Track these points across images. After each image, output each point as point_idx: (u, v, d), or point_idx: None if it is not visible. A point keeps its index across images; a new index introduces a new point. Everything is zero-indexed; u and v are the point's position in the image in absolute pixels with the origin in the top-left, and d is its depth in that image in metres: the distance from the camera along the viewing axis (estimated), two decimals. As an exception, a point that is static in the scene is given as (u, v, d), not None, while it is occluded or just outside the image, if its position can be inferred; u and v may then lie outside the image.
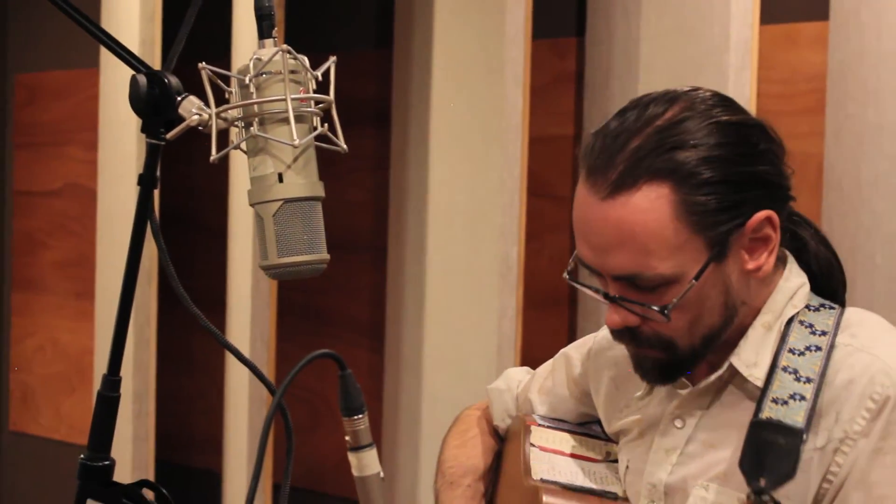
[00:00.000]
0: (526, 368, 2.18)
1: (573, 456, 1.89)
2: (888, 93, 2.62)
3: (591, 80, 3.27)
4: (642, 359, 1.67)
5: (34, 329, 4.96)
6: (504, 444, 2.10)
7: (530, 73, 3.21)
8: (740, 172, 1.60)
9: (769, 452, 1.53)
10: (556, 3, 3.42)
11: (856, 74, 2.69)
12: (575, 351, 2.03)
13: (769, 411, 1.57)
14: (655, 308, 1.59)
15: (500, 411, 2.11)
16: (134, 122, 3.87)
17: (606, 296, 1.63)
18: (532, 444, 1.91)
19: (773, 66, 2.94)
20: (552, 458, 1.88)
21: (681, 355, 1.65)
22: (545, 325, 3.43)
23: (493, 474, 2.09)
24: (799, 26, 2.95)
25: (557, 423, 1.99)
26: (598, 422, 1.97)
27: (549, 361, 2.09)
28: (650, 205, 1.56)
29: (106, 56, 4.14)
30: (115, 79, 4.05)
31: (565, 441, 1.93)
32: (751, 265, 1.63)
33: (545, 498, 1.70)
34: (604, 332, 1.95)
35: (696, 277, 1.58)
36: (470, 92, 3.30)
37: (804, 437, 1.54)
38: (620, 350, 1.86)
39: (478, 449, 2.09)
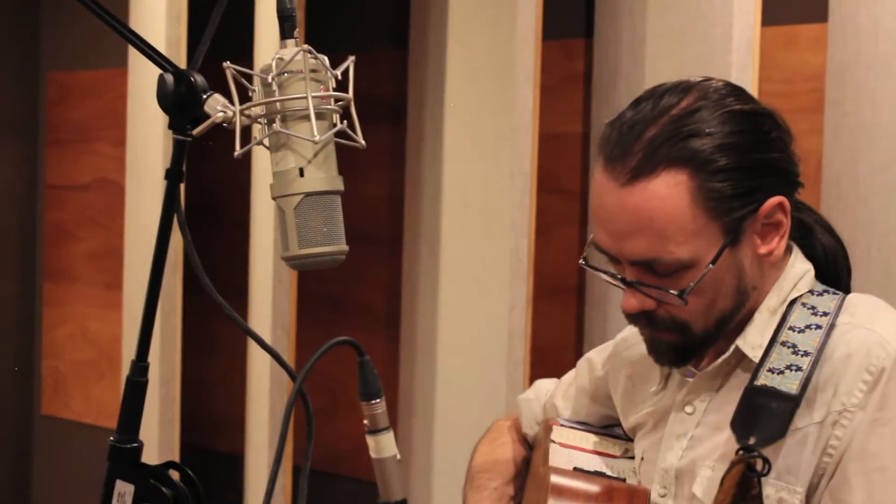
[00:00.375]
0: (554, 379, 2.17)
1: (592, 452, 1.89)
2: (884, 93, 2.61)
3: (599, 79, 3.27)
4: (657, 342, 1.67)
5: (65, 318, 4.97)
6: (532, 451, 2.09)
7: (540, 72, 3.21)
8: (754, 159, 1.60)
9: (761, 414, 1.53)
10: (565, 5, 3.41)
11: (853, 75, 2.69)
12: (597, 355, 2.04)
13: (764, 379, 1.57)
14: (673, 292, 1.58)
15: (528, 419, 2.11)
16: (160, 119, 3.88)
17: (623, 280, 1.63)
18: (553, 441, 1.91)
19: (774, 66, 2.94)
20: (571, 452, 1.88)
21: (695, 338, 1.64)
22: (554, 315, 3.43)
23: (522, 479, 2.08)
24: (799, 28, 2.95)
25: (580, 424, 1.99)
26: (620, 424, 1.97)
27: (573, 369, 2.09)
28: (668, 191, 1.56)
29: (134, 56, 4.15)
30: (142, 78, 4.06)
31: (585, 439, 1.93)
32: (763, 249, 1.63)
33: (552, 477, 1.69)
34: (622, 335, 1.96)
35: (713, 262, 1.58)
36: (482, 91, 3.30)
37: (797, 402, 1.53)
38: (637, 350, 1.87)
39: (506, 455, 2.08)
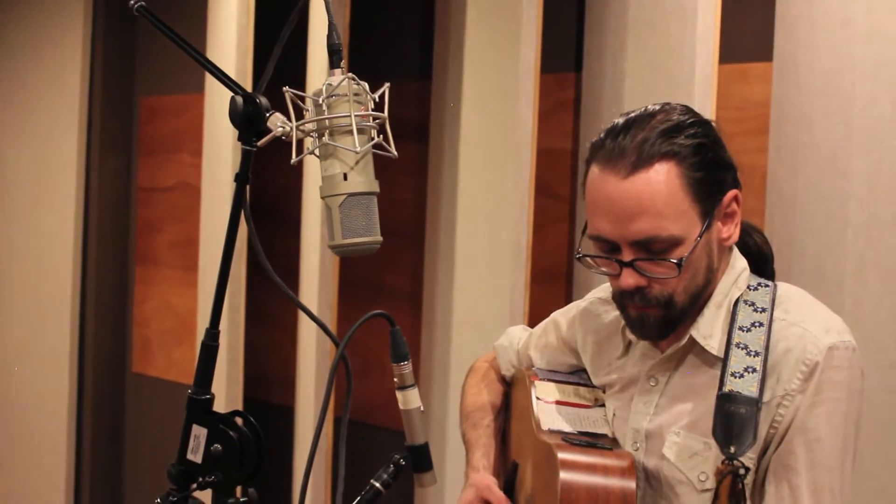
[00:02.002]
0: (522, 326, 2.20)
1: (569, 405, 1.89)
2: (818, 118, 2.60)
3: (587, 106, 3.25)
4: (645, 318, 1.66)
5: (152, 294, 4.98)
6: (511, 388, 2.10)
7: (539, 99, 3.20)
8: (718, 157, 1.64)
9: (734, 422, 1.54)
10: (559, 45, 3.40)
11: (793, 104, 2.67)
12: (561, 317, 2.03)
13: (730, 384, 1.57)
14: (673, 260, 1.58)
15: (505, 363, 2.12)
16: (230, 134, 3.88)
17: (620, 263, 1.62)
18: (538, 398, 1.90)
19: (729, 96, 2.92)
20: (554, 408, 1.87)
21: (676, 312, 1.64)
22: (547, 297, 3.42)
23: (504, 412, 2.09)
24: (749, 66, 2.93)
25: (553, 374, 1.99)
26: (585, 370, 1.97)
27: (542, 324, 2.09)
28: (663, 178, 1.58)
29: (209, 83, 4.15)
30: (215, 102, 4.06)
31: (562, 392, 1.92)
32: (724, 234, 1.65)
33: (560, 455, 1.68)
34: (584, 304, 1.96)
35: (700, 236, 1.59)
36: (491, 114, 3.30)
37: (759, 404, 1.55)
38: (600, 321, 1.89)
39: (491, 395, 2.09)
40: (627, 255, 1.61)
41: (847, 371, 1.59)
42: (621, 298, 1.68)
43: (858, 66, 2.52)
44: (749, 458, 1.58)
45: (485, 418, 2.04)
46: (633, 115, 1.65)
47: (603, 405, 1.87)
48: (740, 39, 2.96)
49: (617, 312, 1.80)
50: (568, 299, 3.40)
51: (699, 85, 2.82)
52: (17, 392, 5.34)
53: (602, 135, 1.65)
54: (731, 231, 1.66)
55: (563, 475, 1.65)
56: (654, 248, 1.59)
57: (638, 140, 1.59)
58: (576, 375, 1.99)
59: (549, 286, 3.45)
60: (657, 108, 1.65)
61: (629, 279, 1.62)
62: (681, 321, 1.66)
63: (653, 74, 2.93)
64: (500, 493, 1.84)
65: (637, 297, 1.64)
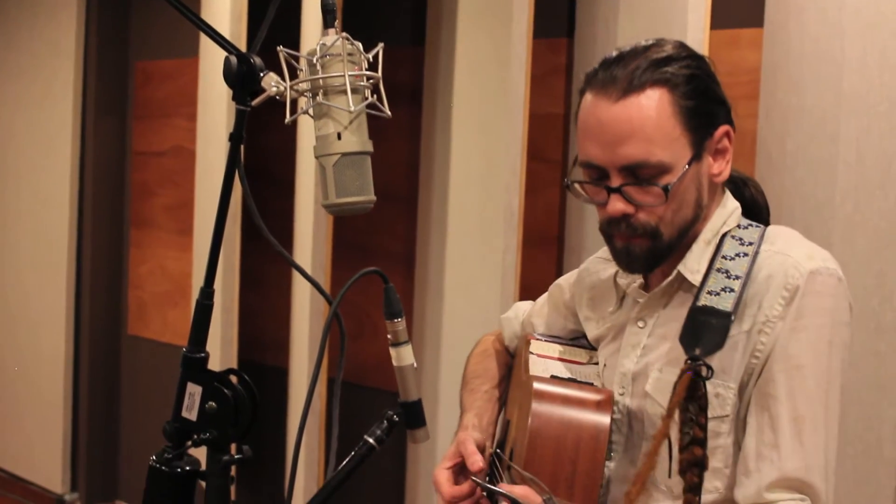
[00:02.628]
0: (529, 301, 2.17)
1: (562, 360, 1.87)
2: (808, 83, 2.60)
3: (578, 71, 3.25)
4: (632, 247, 1.63)
5: (147, 257, 4.98)
6: (514, 359, 2.09)
7: (531, 64, 3.18)
8: (710, 89, 1.61)
9: (704, 330, 1.51)
10: (551, 10, 3.38)
11: (783, 69, 2.67)
12: (564, 281, 2.02)
13: (704, 300, 1.55)
14: (659, 186, 1.56)
15: (509, 335, 2.10)
16: (225, 98, 3.86)
17: (609, 188, 1.60)
18: (531, 353, 1.89)
19: (720, 61, 2.87)
20: (546, 361, 1.86)
21: (663, 244, 1.62)
22: (538, 259, 3.42)
23: (506, 382, 2.08)
24: (740, 32, 2.92)
25: (552, 337, 1.98)
26: (584, 336, 1.95)
27: (546, 292, 2.07)
28: (654, 103, 1.55)
29: (204, 47, 4.13)
30: (210, 66, 4.04)
31: (557, 349, 1.91)
32: (715, 169, 1.62)
33: (535, 385, 1.67)
34: (584, 266, 1.95)
35: (689, 164, 1.57)
36: (484, 79, 3.28)
37: (731, 318, 1.52)
38: (597, 277, 1.87)
39: (493, 364, 2.08)
40: (615, 181, 1.59)
41: (831, 298, 1.55)
42: (608, 228, 1.64)
43: (848, 31, 2.51)
44: (728, 388, 1.55)
45: (483, 385, 2.02)
46: (626, 47, 1.63)
47: (597, 363, 1.86)
48: (731, 5, 2.94)
49: (613, 268, 1.80)
50: (559, 262, 3.41)
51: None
52: (15, 355, 5.34)
53: (596, 66, 1.64)
54: (722, 167, 1.63)
55: (535, 405, 1.64)
56: (642, 175, 1.57)
57: (631, 68, 1.57)
58: (575, 341, 1.98)
59: (541, 249, 3.45)
60: (651, 41, 1.64)
61: (617, 205, 1.59)
62: (667, 255, 1.64)
63: (644, 39, 2.92)
64: (473, 448, 1.81)
65: (623, 226, 1.61)
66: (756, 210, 1.76)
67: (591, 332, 1.88)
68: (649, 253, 1.63)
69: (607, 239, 1.68)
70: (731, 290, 1.55)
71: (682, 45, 1.64)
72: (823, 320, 1.54)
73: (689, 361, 1.47)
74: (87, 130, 5.00)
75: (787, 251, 1.58)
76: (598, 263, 1.90)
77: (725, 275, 1.57)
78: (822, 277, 1.54)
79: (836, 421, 1.56)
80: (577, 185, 1.67)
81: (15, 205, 5.29)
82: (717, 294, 1.55)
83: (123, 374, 5.17)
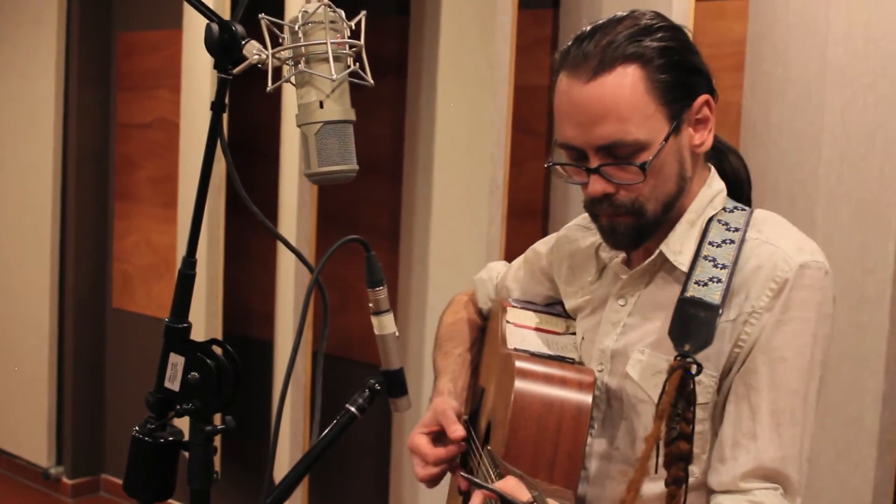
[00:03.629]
0: (504, 262, 2.16)
1: (539, 330, 1.86)
2: (793, 55, 2.59)
3: (564, 42, 3.23)
4: (616, 225, 1.61)
5: (131, 230, 4.96)
6: (487, 321, 2.09)
7: (516, 36, 3.17)
8: (686, 60, 1.58)
9: (692, 323, 1.50)
10: (537, -19, 3.38)
11: (768, 41, 2.66)
12: (542, 246, 2.01)
13: (692, 290, 1.54)
14: (636, 164, 1.54)
15: (483, 296, 2.10)
16: (209, 70, 3.84)
17: (588, 169, 1.58)
18: (508, 321, 1.88)
19: (705, 33, 2.91)
20: (523, 332, 1.85)
21: (647, 220, 1.60)
22: (523, 231, 3.42)
23: (479, 345, 2.08)
24: (725, 3, 2.92)
25: (528, 304, 1.97)
26: (560, 303, 1.95)
27: (522, 256, 2.07)
28: (625, 80, 1.53)
29: (189, 19, 4.10)
30: (194, 37, 4.02)
31: (533, 318, 1.90)
32: (697, 140, 1.60)
33: (517, 363, 1.66)
34: (563, 233, 1.93)
35: (665, 140, 1.54)
36: (469, 50, 3.27)
37: (720, 311, 1.51)
38: (576, 245, 1.86)
39: (466, 326, 2.08)
40: (594, 162, 1.57)
41: (819, 292, 1.53)
42: (592, 207, 1.63)
43: (833, 3, 2.51)
44: (710, 376, 1.55)
45: (457, 348, 2.03)
46: (599, 21, 1.61)
47: (574, 333, 1.85)
48: (717, -24, 2.94)
49: (593, 238, 1.79)
50: (544, 234, 3.40)
51: (677, 21, 2.80)
52: (-2, 327, 5.33)
53: (569, 42, 1.61)
54: (704, 137, 1.61)
55: (518, 383, 1.63)
56: (619, 153, 1.55)
57: (602, 44, 1.54)
58: (550, 307, 1.98)
59: (526, 221, 3.45)
60: (625, 14, 1.60)
61: (596, 186, 1.57)
62: (653, 230, 1.62)
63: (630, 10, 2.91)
64: (453, 417, 1.81)
65: (606, 205, 1.59)
66: (738, 182, 1.75)
67: (569, 301, 1.87)
68: (634, 230, 1.61)
69: (593, 217, 1.66)
70: (719, 281, 1.54)
71: (657, 16, 1.60)
72: (809, 314, 1.53)
73: (678, 358, 1.47)
74: (69, 102, 4.97)
75: (775, 241, 1.57)
76: (577, 231, 1.89)
77: (713, 263, 1.56)
78: (810, 271, 1.53)
79: (814, 412, 1.56)
80: (558, 167, 1.65)
81: (-2, 177, 5.27)
82: (705, 284, 1.54)
83: (108, 347, 5.16)
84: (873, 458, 2.49)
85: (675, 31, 1.59)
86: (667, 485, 1.45)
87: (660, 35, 1.56)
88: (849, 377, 2.50)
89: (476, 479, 1.51)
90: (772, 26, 2.65)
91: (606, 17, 1.61)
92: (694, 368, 1.46)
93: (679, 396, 1.45)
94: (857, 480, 2.51)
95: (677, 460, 1.44)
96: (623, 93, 1.52)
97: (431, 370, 2.05)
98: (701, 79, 1.60)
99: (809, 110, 2.55)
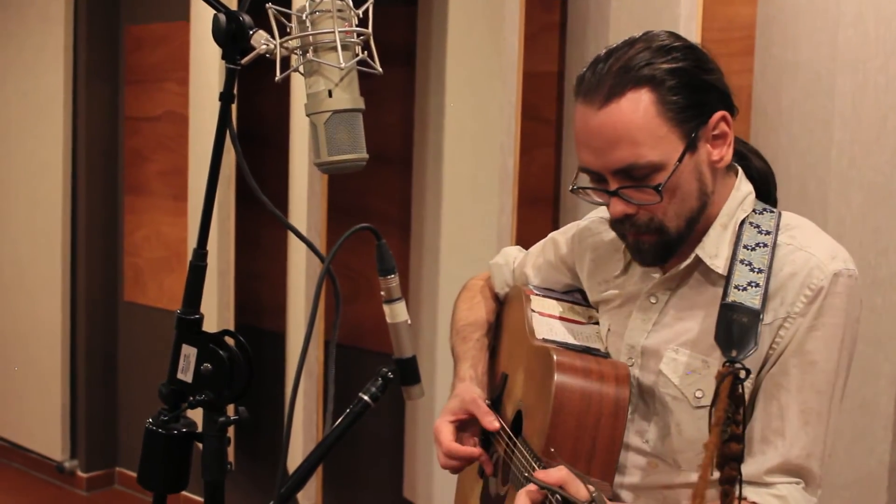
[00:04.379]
0: (518, 247, 2.20)
1: (563, 319, 1.90)
2: (803, 39, 2.58)
3: (572, 28, 3.23)
4: (640, 244, 1.67)
5: (142, 223, 4.97)
6: (504, 306, 2.11)
7: (524, 22, 3.16)
8: (698, 80, 1.60)
9: (736, 328, 1.55)
10: (545, -32, 3.37)
11: (778, 24, 2.65)
12: (560, 235, 2.04)
13: (734, 296, 1.58)
14: (651, 187, 1.57)
15: (500, 282, 2.13)
16: (217, 62, 3.84)
17: (607, 192, 1.62)
18: (533, 310, 1.91)
19: (714, 17, 2.90)
20: (549, 321, 1.88)
21: (671, 237, 1.64)
22: (533, 219, 3.42)
23: (496, 330, 2.09)
24: (735, -14, 2.91)
25: (548, 291, 2.00)
26: (579, 290, 1.99)
27: (540, 243, 2.10)
28: (636, 105, 1.56)
29: (195, 10, 4.10)
30: (201, 29, 4.02)
31: (557, 307, 1.94)
32: (715, 156, 1.63)
33: (556, 357, 1.69)
34: (584, 223, 1.97)
35: (679, 160, 1.57)
36: (478, 38, 3.26)
37: (761, 317, 1.56)
38: (599, 238, 1.90)
39: (483, 311, 2.11)
40: (612, 184, 1.61)
41: (848, 298, 1.60)
42: (616, 227, 1.68)
43: (844, -16, 2.50)
44: (749, 378, 1.58)
45: (475, 332, 2.06)
46: (614, 45, 1.64)
47: (597, 323, 1.89)
48: (726, -40, 2.93)
49: None
50: (554, 222, 3.41)
51: (685, 6, 2.79)
52: (12, 324, 5.34)
53: (585, 68, 1.65)
54: (723, 153, 1.64)
55: (559, 377, 1.66)
56: (635, 175, 1.59)
57: (614, 70, 1.58)
58: (570, 295, 2.00)
59: (536, 209, 3.45)
60: (638, 36, 1.64)
61: (617, 207, 1.62)
62: (678, 245, 1.66)
63: (638, -4, 2.90)
64: (485, 406, 1.86)
65: (628, 225, 1.65)
66: (765, 184, 1.78)
67: (593, 294, 1.90)
68: (658, 247, 1.66)
69: (620, 236, 1.72)
70: (757, 286, 1.58)
71: (670, 36, 1.64)
72: (840, 320, 1.58)
73: (727, 364, 1.51)
74: (78, 96, 4.97)
75: (808, 248, 1.62)
76: (599, 224, 1.93)
77: (749, 267, 1.61)
78: (843, 279, 1.59)
79: (839, 410, 1.62)
80: (581, 190, 1.68)
81: (8, 173, 5.28)
82: (745, 289, 1.59)
83: (121, 340, 5.17)
84: (888, 441, 2.49)
85: (688, 50, 1.62)
86: (721, 484, 1.49)
87: (672, 56, 1.59)
88: (863, 360, 2.50)
89: (541, 482, 1.53)
90: (781, 9, 2.64)
91: (619, 42, 1.65)
92: (743, 374, 1.51)
93: (731, 401, 1.49)
94: (872, 464, 2.51)
95: (730, 461, 1.49)
96: (635, 117, 1.56)
97: (444, 358, 2.06)
98: (716, 96, 1.62)
99: (820, 94, 2.54)
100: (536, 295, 1.97)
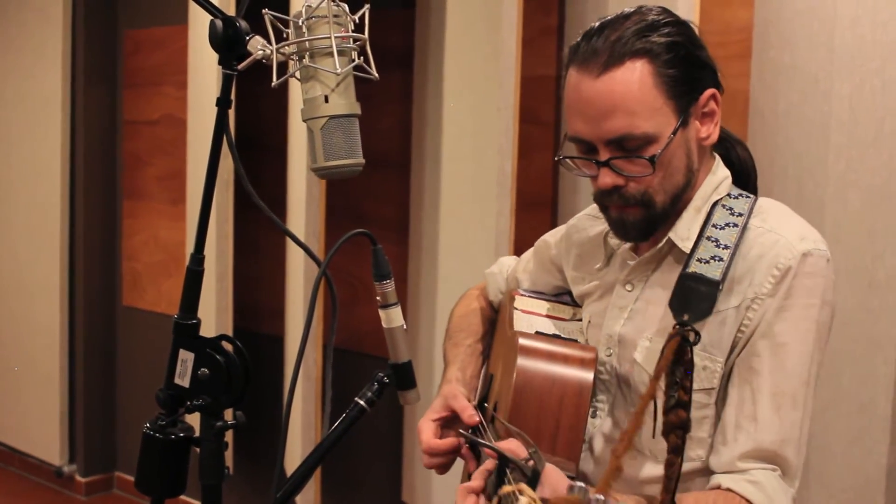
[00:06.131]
0: (514, 257, 2.20)
1: (547, 316, 1.90)
2: (800, 42, 2.59)
3: (570, 31, 3.24)
4: (625, 218, 1.65)
5: (140, 228, 4.97)
6: (497, 314, 2.12)
7: (522, 26, 3.17)
8: (693, 55, 1.61)
9: (692, 296, 1.53)
10: (542, -29, 3.37)
11: (775, 27, 2.66)
12: (551, 237, 2.05)
13: (694, 267, 1.57)
14: (645, 157, 1.57)
15: (494, 289, 2.14)
16: (215, 66, 3.83)
17: (598, 162, 1.61)
18: (515, 308, 1.92)
19: (712, 20, 2.91)
20: (530, 317, 1.89)
21: (657, 212, 1.63)
22: (532, 223, 3.42)
23: (489, 337, 2.10)
24: (732, -10, 2.92)
25: (537, 294, 2.00)
26: (568, 293, 1.99)
27: (532, 249, 2.10)
28: (634, 75, 1.56)
29: (193, 15, 4.10)
30: (200, 33, 4.02)
31: (541, 306, 1.94)
32: (703, 133, 1.64)
33: (521, 341, 1.69)
34: (572, 223, 1.97)
35: (674, 133, 1.58)
36: (475, 41, 3.27)
37: (720, 287, 1.54)
38: (585, 234, 1.90)
39: (477, 318, 2.11)
40: (603, 155, 1.60)
41: (821, 279, 1.57)
42: (602, 199, 1.66)
43: (840, -13, 2.51)
44: (716, 361, 1.57)
45: (467, 339, 2.07)
46: (608, 17, 1.64)
47: (579, 320, 1.88)
48: (723, -37, 2.94)
49: (602, 226, 1.82)
50: (553, 225, 3.41)
51: (682, 10, 2.80)
52: (10, 328, 5.35)
53: (579, 38, 1.64)
54: (711, 130, 1.64)
55: (521, 359, 1.65)
56: (628, 146, 1.58)
57: (611, 40, 1.57)
58: (559, 297, 2.00)
59: (535, 212, 3.46)
60: (632, 10, 1.64)
61: (606, 178, 1.61)
62: (662, 221, 1.65)
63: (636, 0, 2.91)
64: (464, 401, 1.84)
65: (616, 197, 1.63)
66: (745, 172, 1.78)
67: (577, 288, 1.90)
68: (644, 221, 1.65)
69: (602, 209, 1.70)
70: (720, 259, 1.57)
71: (664, 11, 1.64)
72: (811, 301, 1.56)
73: (677, 326, 1.49)
74: (76, 100, 4.98)
75: (778, 230, 1.60)
76: (586, 220, 1.93)
77: (715, 244, 1.59)
78: (812, 259, 1.57)
79: (813, 397, 1.59)
80: (568, 160, 1.68)
81: (6, 177, 5.29)
82: (707, 262, 1.57)
83: (119, 345, 5.18)
84: (886, 443, 2.50)
85: (681, 26, 1.62)
86: (667, 453, 1.45)
87: (667, 30, 1.59)
88: (860, 363, 2.50)
89: (472, 437, 1.52)
90: (778, 12, 2.65)
91: (614, 14, 1.64)
92: (692, 336, 1.47)
93: (677, 364, 1.46)
94: (869, 466, 2.51)
95: (676, 428, 1.45)
96: (632, 87, 1.55)
97: (442, 362, 2.06)
98: (707, 73, 1.63)
99: (817, 96, 2.55)
100: (522, 295, 1.97)
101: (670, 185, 1.62)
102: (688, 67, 1.59)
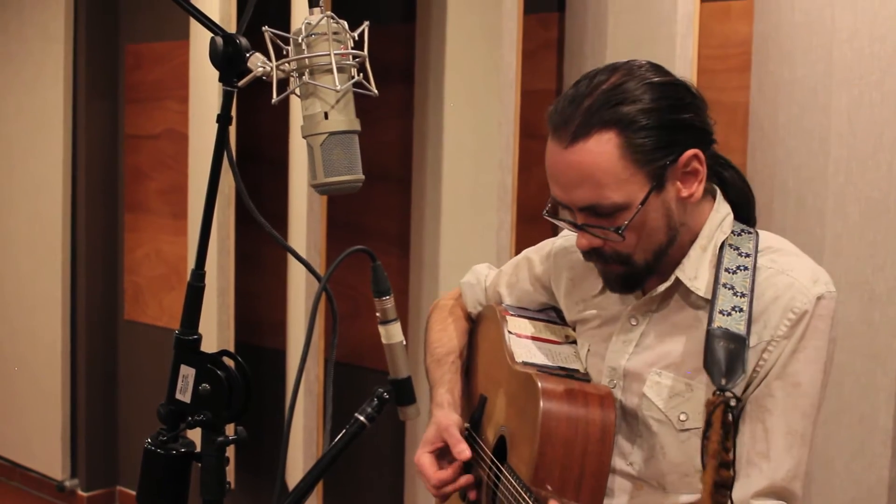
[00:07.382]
0: (487, 264, 2.21)
1: (540, 340, 1.92)
2: (798, 55, 2.60)
3: (570, 45, 3.24)
4: (609, 273, 1.69)
5: (142, 242, 4.98)
6: (477, 325, 2.12)
7: (522, 40, 3.19)
8: (671, 119, 1.60)
9: (725, 356, 1.55)
10: (542, -15, 3.38)
11: (774, 40, 2.67)
12: (535, 254, 2.05)
13: (718, 321, 1.59)
14: (612, 229, 1.59)
15: (472, 301, 2.14)
16: (216, 81, 3.85)
17: (575, 225, 1.64)
18: (510, 332, 1.93)
19: (711, 34, 2.92)
20: (527, 343, 1.90)
21: (638, 268, 1.66)
22: (532, 236, 3.41)
23: (469, 349, 2.11)
24: (730, 3, 2.92)
25: (523, 310, 2.02)
26: (553, 308, 2.00)
27: (513, 261, 2.11)
28: (600, 148, 1.57)
29: (194, 30, 4.12)
30: (201, 48, 4.04)
31: (533, 327, 1.95)
32: (685, 193, 1.64)
33: (541, 384, 1.70)
34: (560, 241, 1.98)
35: (642, 203, 1.59)
36: (475, 55, 3.28)
37: (747, 342, 1.56)
38: (576, 257, 1.90)
39: (456, 332, 2.13)
40: (579, 219, 1.64)
41: (830, 320, 1.62)
42: (585, 256, 1.70)
43: (838, 1, 2.52)
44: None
45: (449, 355, 2.08)
46: (590, 75, 1.64)
47: (574, 342, 1.90)
48: (722, -23, 2.95)
49: None
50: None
51: (681, 24, 2.81)
52: (11, 342, 5.35)
53: (559, 100, 1.66)
54: (693, 189, 1.64)
55: (545, 404, 1.67)
56: (600, 212, 1.60)
57: (583, 108, 1.59)
58: (544, 313, 2.01)
59: (535, 226, 3.46)
60: (616, 67, 1.63)
61: (583, 241, 1.65)
62: (646, 275, 1.68)
63: (635, 13, 2.92)
64: (458, 435, 1.87)
65: (595, 256, 1.67)
66: (743, 202, 1.78)
67: (570, 313, 1.91)
68: (626, 276, 1.69)
69: (590, 262, 1.74)
70: (741, 310, 1.60)
71: (652, 69, 1.64)
72: (822, 342, 1.61)
73: (718, 393, 1.51)
74: (78, 115, 4.99)
75: (790, 272, 1.63)
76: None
77: (732, 291, 1.62)
78: (825, 301, 1.61)
79: (816, 429, 1.65)
80: (553, 217, 1.71)
81: (8, 191, 5.30)
82: (729, 314, 1.60)
83: (121, 359, 5.18)
84: (887, 456, 2.50)
85: (665, 88, 1.62)
86: None
87: (646, 97, 1.59)
88: (861, 375, 2.51)
89: None
90: (777, 26, 2.66)
91: (596, 72, 1.64)
92: (734, 402, 1.50)
93: (722, 430, 1.50)
94: (871, 479, 2.51)
95: (720, 487, 1.49)
96: (599, 160, 1.57)
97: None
98: (690, 134, 1.62)
99: (816, 110, 2.56)
100: (512, 315, 1.98)
101: (649, 245, 1.64)
102: (664, 133, 1.59)
